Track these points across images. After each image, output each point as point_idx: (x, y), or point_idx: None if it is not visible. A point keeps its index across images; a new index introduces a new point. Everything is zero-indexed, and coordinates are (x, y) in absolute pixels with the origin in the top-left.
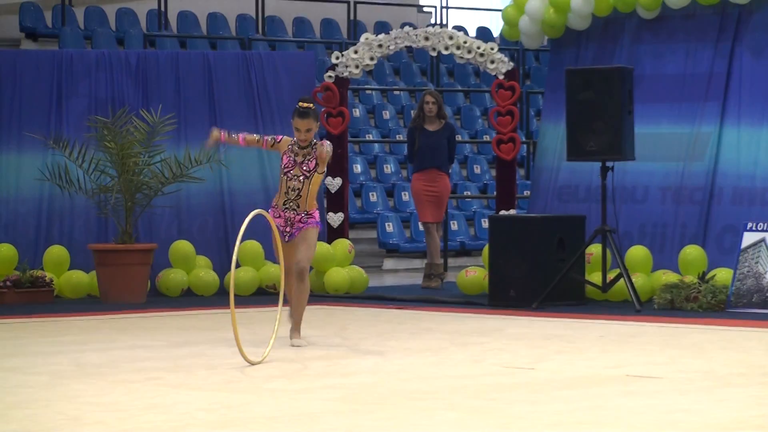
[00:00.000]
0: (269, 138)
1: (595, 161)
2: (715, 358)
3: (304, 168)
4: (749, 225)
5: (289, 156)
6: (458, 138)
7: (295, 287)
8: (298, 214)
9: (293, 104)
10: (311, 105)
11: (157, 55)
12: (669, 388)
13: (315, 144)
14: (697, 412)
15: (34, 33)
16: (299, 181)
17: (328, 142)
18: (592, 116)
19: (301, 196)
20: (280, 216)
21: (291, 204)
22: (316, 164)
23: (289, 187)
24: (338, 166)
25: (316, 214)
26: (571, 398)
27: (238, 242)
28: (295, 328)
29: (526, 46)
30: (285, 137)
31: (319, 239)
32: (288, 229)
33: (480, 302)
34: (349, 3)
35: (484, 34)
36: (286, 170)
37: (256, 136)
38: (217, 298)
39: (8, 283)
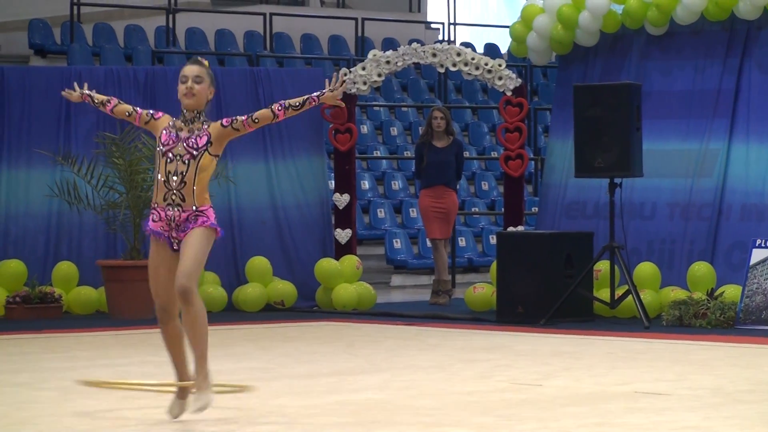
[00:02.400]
0: (145, 112)
1: (603, 177)
2: (723, 375)
3: (190, 145)
4: (758, 241)
5: (169, 132)
6: (466, 154)
7: (183, 315)
8: (184, 211)
9: (300, 119)
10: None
11: (165, 71)
12: (677, 405)
13: (206, 120)
14: (705, 429)
15: (43, 49)
16: (183, 162)
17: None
18: (600, 132)
19: (185, 183)
20: (160, 218)
21: (173, 196)
22: (208, 141)
23: (169, 172)
24: (346, 182)
25: (210, 212)
26: (579, 415)
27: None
28: (200, 370)
29: (533, 62)
30: (166, 115)
31: (325, 255)
32: (174, 234)
33: (488, 318)
34: (356, 20)
35: (491, 50)
36: (165, 149)
37: (128, 107)
38: (225, 314)
39: (17, 298)
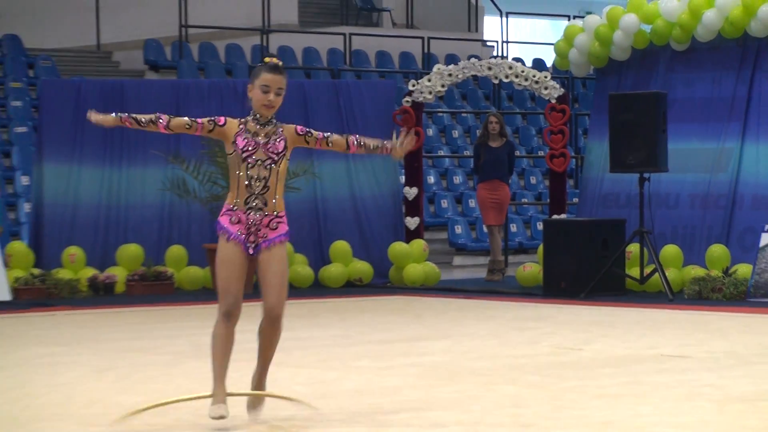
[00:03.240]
0: (206, 120)
1: (634, 173)
2: (737, 341)
3: (270, 150)
4: (767, 227)
5: (246, 137)
6: (517, 153)
7: (267, 331)
8: (266, 216)
9: (376, 124)
10: (281, 63)
11: None
12: (697, 366)
13: (277, 123)
14: (721, 386)
15: (156, 65)
16: (265, 167)
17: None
18: (632, 134)
19: (268, 187)
20: (239, 221)
21: (256, 201)
22: (285, 146)
23: (251, 177)
24: (414, 177)
25: (285, 218)
26: (613, 375)
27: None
28: (263, 373)
29: (574, 74)
30: (230, 119)
31: (396, 239)
32: (252, 239)
33: (535, 293)
34: (423, 38)
35: (538, 64)
36: (245, 155)
37: (186, 119)
38: (312, 290)
39: (136, 277)
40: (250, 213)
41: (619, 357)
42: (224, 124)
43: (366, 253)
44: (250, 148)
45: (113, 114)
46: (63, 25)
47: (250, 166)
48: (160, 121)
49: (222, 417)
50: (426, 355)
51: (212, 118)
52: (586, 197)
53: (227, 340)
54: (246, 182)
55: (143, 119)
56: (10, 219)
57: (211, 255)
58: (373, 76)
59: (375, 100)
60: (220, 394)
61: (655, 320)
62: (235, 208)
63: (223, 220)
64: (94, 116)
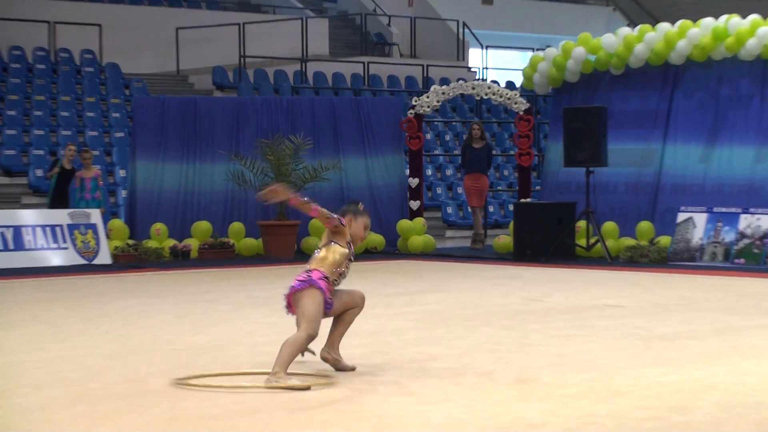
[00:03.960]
0: (335, 219)
1: (582, 167)
2: (659, 294)
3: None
4: (682, 208)
5: (349, 248)
6: (493, 152)
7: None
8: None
9: (387, 131)
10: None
11: (300, 100)
12: (630, 313)
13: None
14: (648, 328)
15: (222, 86)
16: (348, 270)
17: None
18: (580, 138)
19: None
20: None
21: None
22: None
23: (340, 275)
24: (416, 170)
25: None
26: (566, 320)
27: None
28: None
29: (537, 92)
30: (346, 228)
31: (402, 217)
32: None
33: (508, 258)
34: (423, 66)
35: (510, 85)
36: (349, 260)
37: (326, 212)
38: None
39: (206, 246)
40: (331, 286)
41: (571, 306)
42: (344, 227)
43: (380, 228)
44: (349, 258)
45: (290, 194)
46: (151, 56)
47: (345, 267)
48: (314, 206)
49: (308, 388)
50: (425, 304)
51: (340, 219)
52: (546, 185)
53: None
54: (339, 274)
55: (305, 199)
56: (111, 202)
57: (263, 229)
58: (385, 94)
59: (387, 112)
60: (286, 375)
61: (598, 278)
62: (330, 280)
63: (325, 285)
64: (269, 191)
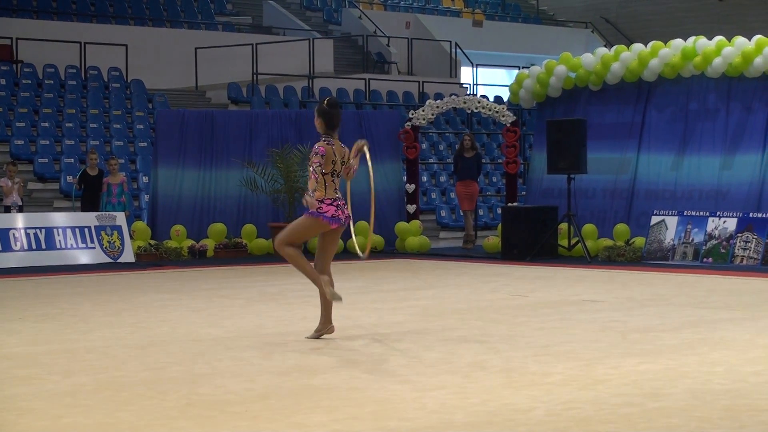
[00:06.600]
0: (321, 168)
1: (563, 174)
2: (635, 290)
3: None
4: (655, 211)
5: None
6: (483, 160)
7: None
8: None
9: (387, 141)
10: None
11: (307, 113)
12: (608, 307)
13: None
14: (624, 321)
15: (236, 100)
16: (337, 169)
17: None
18: (562, 148)
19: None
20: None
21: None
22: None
23: (333, 179)
24: (413, 177)
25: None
26: (550, 313)
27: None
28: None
29: (523, 106)
30: (322, 148)
31: (400, 219)
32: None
33: (496, 257)
34: (419, 82)
35: (498, 99)
36: (334, 169)
37: (315, 182)
38: (343, 255)
39: (221, 246)
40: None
41: (553, 301)
42: (324, 154)
43: (379, 229)
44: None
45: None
46: (172, 73)
47: (331, 171)
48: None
49: (340, 298)
50: (420, 299)
51: (320, 161)
52: (531, 191)
53: (300, 253)
54: (332, 179)
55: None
56: (134, 206)
57: (273, 230)
58: (385, 108)
59: (386, 124)
60: (327, 284)
61: (578, 276)
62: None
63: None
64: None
